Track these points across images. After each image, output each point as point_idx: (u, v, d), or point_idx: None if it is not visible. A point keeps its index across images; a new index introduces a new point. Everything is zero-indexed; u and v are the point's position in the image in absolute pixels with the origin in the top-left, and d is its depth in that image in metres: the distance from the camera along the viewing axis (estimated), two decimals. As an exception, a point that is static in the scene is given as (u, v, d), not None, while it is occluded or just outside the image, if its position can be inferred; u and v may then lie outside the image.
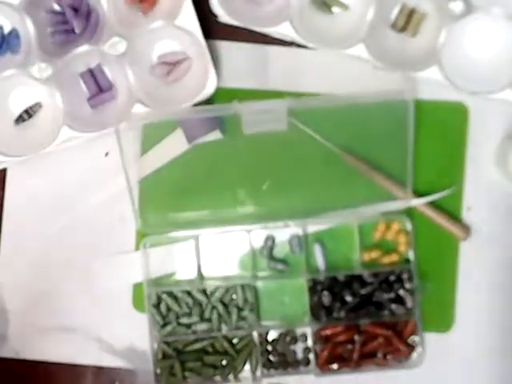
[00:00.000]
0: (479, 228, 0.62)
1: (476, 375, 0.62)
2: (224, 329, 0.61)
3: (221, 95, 0.61)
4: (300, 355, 0.62)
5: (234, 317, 0.61)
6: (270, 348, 0.62)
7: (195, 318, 0.61)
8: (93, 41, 0.61)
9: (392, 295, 0.61)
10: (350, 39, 0.59)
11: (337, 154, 0.61)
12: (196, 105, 0.60)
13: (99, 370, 0.63)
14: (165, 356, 0.61)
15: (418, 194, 0.61)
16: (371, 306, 0.61)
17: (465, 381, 0.62)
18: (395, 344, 0.60)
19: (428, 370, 0.61)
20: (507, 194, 0.62)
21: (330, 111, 0.60)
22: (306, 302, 0.61)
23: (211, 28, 0.61)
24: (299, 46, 0.62)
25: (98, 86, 0.62)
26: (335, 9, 0.62)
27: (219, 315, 0.61)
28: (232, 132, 0.61)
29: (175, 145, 0.62)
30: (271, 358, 0.62)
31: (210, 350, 0.62)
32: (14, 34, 0.62)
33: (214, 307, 0.61)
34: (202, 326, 0.61)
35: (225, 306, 0.61)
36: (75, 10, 0.62)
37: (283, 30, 0.59)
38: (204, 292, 0.62)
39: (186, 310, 0.61)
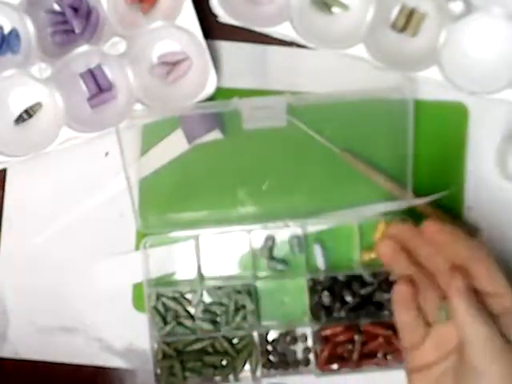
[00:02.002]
0: (479, 228, 0.62)
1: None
2: (224, 329, 0.61)
3: (221, 95, 0.61)
4: (300, 355, 0.62)
5: (235, 317, 0.61)
6: (270, 348, 0.62)
7: (195, 318, 0.61)
8: (93, 41, 0.61)
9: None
10: (350, 39, 0.59)
11: (336, 153, 0.61)
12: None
13: (99, 370, 0.63)
14: (165, 356, 0.61)
15: (418, 194, 0.61)
16: (371, 306, 0.61)
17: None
18: (395, 344, 0.60)
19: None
20: (507, 193, 0.62)
21: (330, 111, 0.60)
22: (306, 302, 0.61)
23: (211, 28, 0.61)
24: (299, 46, 0.62)
25: (98, 86, 0.63)
26: (335, 9, 0.62)
27: (219, 315, 0.61)
28: (232, 132, 0.61)
29: (175, 145, 0.62)
30: (271, 358, 0.62)
31: (210, 350, 0.62)
32: (13, 33, 0.62)
33: (213, 307, 0.61)
34: (202, 326, 0.61)
35: (225, 306, 0.61)
36: (75, 9, 0.62)
37: (283, 30, 0.59)
38: (204, 292, 0.62)
39: (185, 309, 0.62)
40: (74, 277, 0.64)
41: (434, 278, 0.47)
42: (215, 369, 0.61)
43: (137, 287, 0.63)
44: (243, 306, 0.61)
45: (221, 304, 0.61)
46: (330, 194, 0.61)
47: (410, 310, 0.47)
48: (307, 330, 0.62)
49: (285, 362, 0.62)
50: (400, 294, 0.47)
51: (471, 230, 0.61)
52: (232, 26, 0.61)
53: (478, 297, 0.44)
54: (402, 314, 0.47)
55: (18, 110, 0.63)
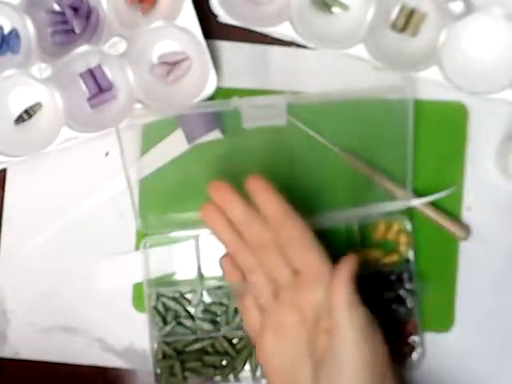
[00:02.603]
0: (479, 228, 0.62)
1: (476, 375, 0.62)
2: (224, 329, 0.61)
3: (221, 95, 0.61)
4: (300, 355, 0.62)
5: (234, 317, 0.61)
6: (270, 348, 0.62)
7: (195, 318, 0.61)
8: (93, 41, 0.61)
9: (392, 295, 0.61)
10: (350, 39, 0.59)
11: (337, 153, 0.61)
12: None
13: (99, 370, 0.63)
14: (165, 356, 0.61)
15: (418, 194, 0.61)
16: (371, 306, 0.60)
17: (465, 381, 0.62)
18: (395, 344, 0.60)
19: (428, 370, 0.61)
20: (507, 194, 0.62)
21: (330, 111, 0.60)
22: (306, 302, 0.61)
23: (211, 28, 0.61)
24: (299, 46, 0.62)
25: (98, 86, 0.63)
26: (335, 9, 0.62)
27: (219, 315, 0.61)
28: (232, 132, 0.61)
29: (175, 145, 0.62)
30: (271, 358, 0.62)
31: (210, 350, 0.62)
32: (13, 33, 0.62)
33: (213, 307, 0.61)
34: (202, 326, 0.61)
35: (225, 306, 0.61)
36: (75, 9, 0.62)
37: (283, 30, 0.59)
38: (204, 292, 0.62)
39: (185, 309, 0.62)
40: (74, 277, 0.64)
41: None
42: (215, 369, 0.61)
43: (137, 287, 0.63)
44: (243, 306, 0.61)
45: (221, 304, 0.61)
46: (329, 194, 0.61)
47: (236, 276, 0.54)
48: (307, 330, 0.62)
49: (285, 362, 0.62)
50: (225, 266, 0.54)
51: (463, 231, 0.61)
52: (232, 26, 0.61)
53: None
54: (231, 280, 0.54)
55: (18, 110, 0.63)
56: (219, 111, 0.60)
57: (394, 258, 0.61)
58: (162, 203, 0.63)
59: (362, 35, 0.59)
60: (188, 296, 0.62)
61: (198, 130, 0.60)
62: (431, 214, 0.61)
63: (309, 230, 0.51)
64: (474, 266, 0.62)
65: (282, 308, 0.50)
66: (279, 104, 0.57)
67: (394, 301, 0.61)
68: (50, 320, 0.64)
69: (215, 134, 0.61)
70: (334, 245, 0.62)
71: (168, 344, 0.61)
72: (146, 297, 0.61)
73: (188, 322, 0.61)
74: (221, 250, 0.62)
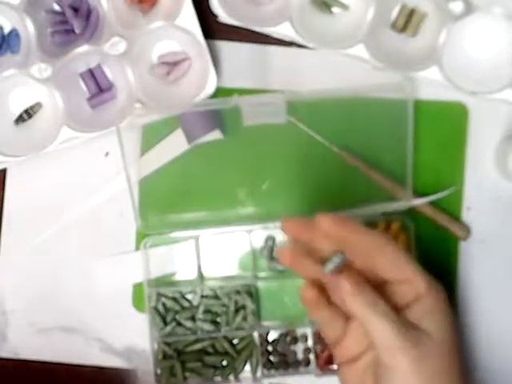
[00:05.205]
0: (479, 228, 0.62)
1: (476, 375, 0.62)
2: (224, 329, 0.61)
3: (221, 95, 0.61)
4: (300, 355, 0.62)
5: (235, 317, 0.61)
6: (270, 348, 0.62)
7: (195, 319, 0.61)
8: (93, 41, 0.61)
9: (392, 295, 0.61)
10: (350, 39, 0.59)
11: (337, 153, 0.61)
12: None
13: (99, 370, 0.63)
14: (165, 356, 0.61)
15: (418, 194, 0.61)
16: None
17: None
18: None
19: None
20: (507, 194, 0.62)
21: (330, 111, 0.60)
22: (306, 302, 0.61)
23: (211, 28, 0.61)
24: (299, 46, 0.62)
25: (98, 86, 0.63)
26: (335, 9, 0.62)
27: (219, 315, 0.61)
28: (232, 132, 0.61)
29: (175, 145, 0.62)
30: (272, 358, 0.62)
31: (210, 350, 0.62)
32: (13, 33, 0.62)
33: (214, 307, 0.61)
34: (203, 327, 0.61)
35: (225, 306, 0.61)
36: (75, 9, 0.62)
37: (283, 30, 0.59)
38: (204, 292, 0.62)
39: (186, 310, 0.62)
40: (74, 277, 0.64)
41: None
42: (215, 369, 0.61)
43: (137, 287, 0.63)
44: (243, 307, 0.61)
45: (221, 304, 0.61)
46: (329, 194, 0.61)
47: (320, 310, 0.46)
48: (307, 330, 0.62)
49: (285, 362, 0.62)
50: (305, 299, 0.46)
51: (463, 231, 0.61)
52: (232, 26, 0.61)
53: (380, 289, 0.44)
54: (314, 314, 0.46)
55: (18, 110, 0.63)
56: (219, 110, 0.60)
57: (394, 257, 0.61)
58: (162, 203, 0.63)
59: (361, 35, 0.59)
60: (188, 296, 0.62)
61: (198, 130, 0.60)
62: (431, 213, 0.61)
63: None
64: (474, 266, 0.62)
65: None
66: (279, 102, 0.57)
67: (394, 301, 0.61)
68: (50, 320, 0.64)
69: (215, 134, 0.61)
70: (334, 245, 0.62)
71: (168, 344, 0.61)
72: (146, 297, 0.61)
73: (188, 323, 0.61)
74: (221, 250, 0.62)
